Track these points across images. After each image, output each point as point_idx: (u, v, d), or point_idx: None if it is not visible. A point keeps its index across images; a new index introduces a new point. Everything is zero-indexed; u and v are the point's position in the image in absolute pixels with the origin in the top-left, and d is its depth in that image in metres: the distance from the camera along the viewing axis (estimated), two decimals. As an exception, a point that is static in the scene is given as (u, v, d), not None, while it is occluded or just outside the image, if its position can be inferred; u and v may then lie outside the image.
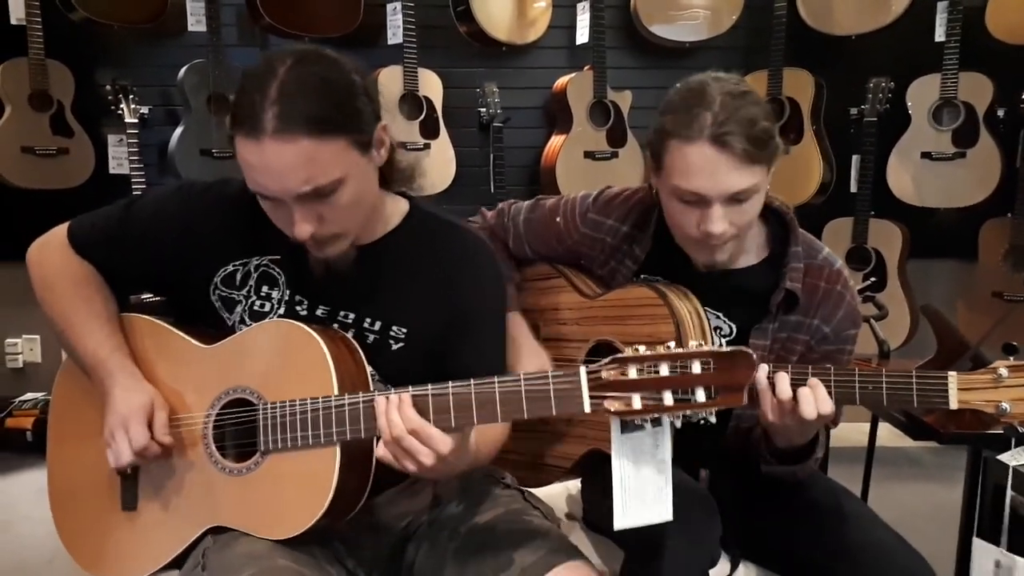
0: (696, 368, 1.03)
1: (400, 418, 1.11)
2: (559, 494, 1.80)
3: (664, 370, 1.04)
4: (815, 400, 1.26)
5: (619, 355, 1.06)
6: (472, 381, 1.12)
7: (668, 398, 1.04)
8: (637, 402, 1.04)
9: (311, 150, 1.11)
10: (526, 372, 1.12)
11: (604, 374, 1.06)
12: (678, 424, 1.08)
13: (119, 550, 1.33)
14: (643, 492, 1.12)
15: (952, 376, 1.21)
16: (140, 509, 1.32)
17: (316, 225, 1.17)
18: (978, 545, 1.54)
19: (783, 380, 1.28)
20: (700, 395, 1.04)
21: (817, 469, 1.49)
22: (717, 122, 1.30)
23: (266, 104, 1.10)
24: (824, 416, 1.27)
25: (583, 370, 1.07)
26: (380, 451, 1.13)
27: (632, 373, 1.05)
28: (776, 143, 1.35)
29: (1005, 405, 1.19)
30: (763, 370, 1.30)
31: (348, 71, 1.18)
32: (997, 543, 1.55)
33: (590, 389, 1.06)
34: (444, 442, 1.11)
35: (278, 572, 1.15)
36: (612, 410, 1.05)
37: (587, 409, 1.07)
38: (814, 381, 1.27)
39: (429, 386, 1.13)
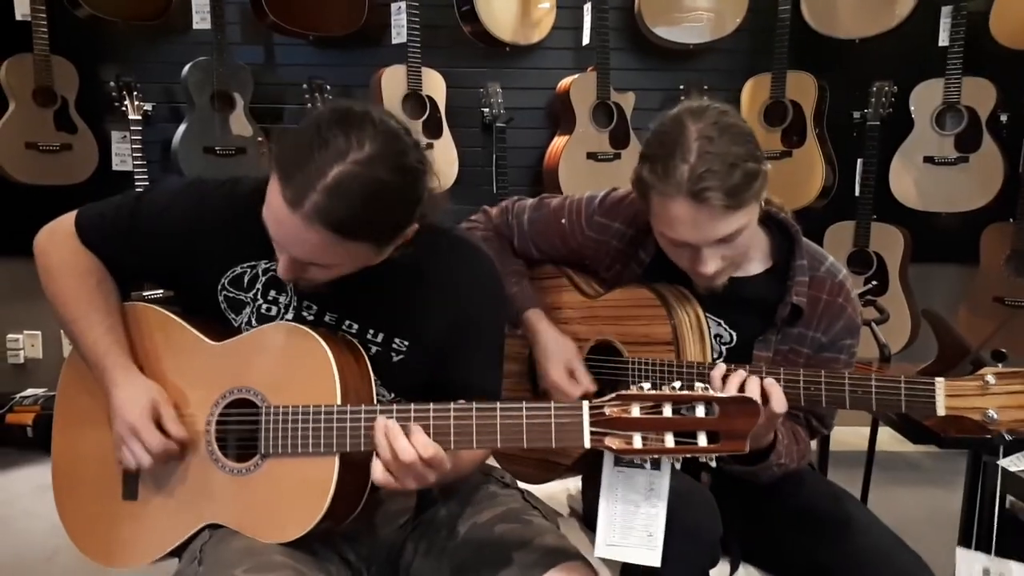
0: (700, 411, 1.04)
1: (410, 444, 1.11)
2: (559, 493, 1.80)
3: (667, 411, 1.04)
4: (773, 398, 1.27)
5: (623, 392, 1.06)
6: (474, 405, 1.13)
7: (670, 440, 1.04)
8: (638, 441, 1.05)
9: (330, 243, 1.11)
10: (528, 402, 1.12)
11: (607, 410, 1.06)
12: (678, 465, 1.09)
13: (118, 538, 1.34)
14: (629, 530, 1.13)
15: (939, 382, 1.21)
16: (140, 499, 1.32)
17: (301, 275, 1.19)
18: (961, 555, 1.50)
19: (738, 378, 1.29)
20: (702, 439, 1.03)
21: (785, 472, 1.48)
22: (695, 176, 1.28)
23: (315, 183, 1.06)
24: (776, 414, 1.28)
25: (586, 405, 1.07)
26: (379, 477, 1.13)
27: (635, 411, 1.05)
28: (761, 178, 1.33)
29: (992, 412, 1.18)
30: (719, 370, 1.32)
31: (418, 179, 1.14)
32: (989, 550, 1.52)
33: (592, 424, 1.07)
34: (446, 461, 1.13)
35: (274, 568, 1.15)
36: (613, 447, 1.06)
37: (587, 444, 1.07)
38: (770, 381, 1.28)
39: (431, 405, 1.14)
